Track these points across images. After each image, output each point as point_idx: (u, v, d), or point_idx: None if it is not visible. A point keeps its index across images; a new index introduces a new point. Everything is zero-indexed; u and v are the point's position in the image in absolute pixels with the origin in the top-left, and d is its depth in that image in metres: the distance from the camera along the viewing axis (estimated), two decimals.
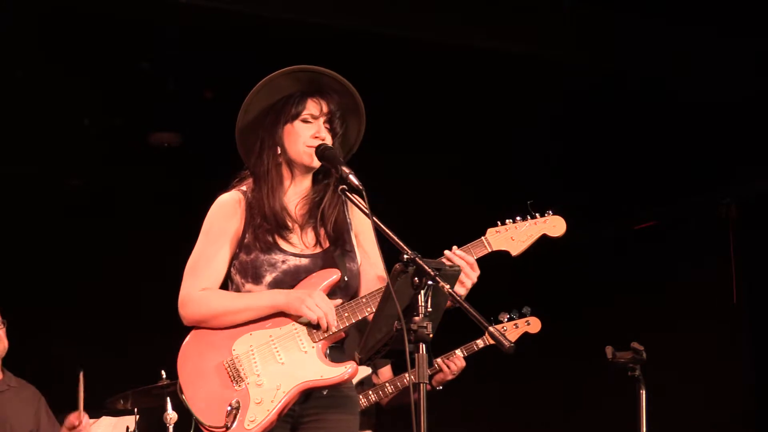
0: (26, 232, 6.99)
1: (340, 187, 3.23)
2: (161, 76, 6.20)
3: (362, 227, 3.42)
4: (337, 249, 3.35)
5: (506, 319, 5.29)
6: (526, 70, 6.20)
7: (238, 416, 3.18)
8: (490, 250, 3.35)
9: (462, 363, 5.21)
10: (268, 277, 3.28)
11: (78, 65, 5.86)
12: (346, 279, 3.31)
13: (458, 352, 5.22)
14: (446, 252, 3.27)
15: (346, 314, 3.27)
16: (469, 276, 3.24)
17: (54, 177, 7.09)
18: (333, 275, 3.29)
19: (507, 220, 3.41)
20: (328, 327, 3.23)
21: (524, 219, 3.42)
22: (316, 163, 3.34)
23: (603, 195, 7.38)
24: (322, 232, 3.36)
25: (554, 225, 3.43)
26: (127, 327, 6.92)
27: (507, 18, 5.92)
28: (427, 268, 2.85)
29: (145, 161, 7.03)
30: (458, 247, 3.31)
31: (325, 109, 3.35)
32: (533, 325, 5.32)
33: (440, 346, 5.14)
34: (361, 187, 3.12)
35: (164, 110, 6.57)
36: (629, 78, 6.39)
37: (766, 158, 6.71)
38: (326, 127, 3.35)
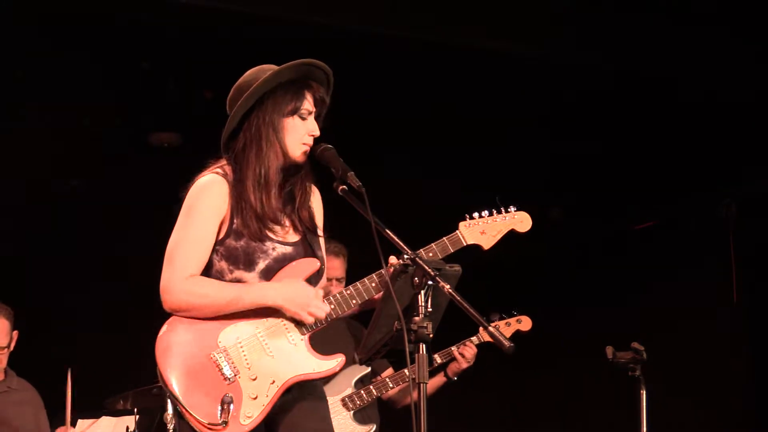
0: (26, 232, 6.99)
1: (341, 187, 3.24)
2: (161, 76, 6.19)
3: (318, 214, 3.45)
4: (311, 236, 3.37)
5: (497, 318, 5.30)
6: (525, 70, 6.19)
7: (232, 411, 3.14)
8: (465, 244, 3.43)
9: (474, 350, 5.20)
10: (261, 264, 3.26)
11: (78, 65, 5.86)
12: (322, 267, 3.35)
13: (474, 338, 5.22)
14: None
15: (332, 306, 3.28)
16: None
17: (54, 177, 7.08)
18: (312, 265, 3.32)
19: (474, 214, 3.48)
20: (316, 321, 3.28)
21: (491, 214, 3.50)
22: (303, 159, 3.35)
23: (603, 195, 7.38)
24: (296, 220, 3.37)
25: (521, 221, 3.53)
26: (128, 327, 6.91)
27: (506, 18, 5.91)
28: (427, 268, 2.86)
29: (145, 161, 7.03)
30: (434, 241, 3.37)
31: (318, 104, 3.37)
32: (524, 323, 5.35)
33: (434, 344, 5.13)
34: (362, 188, 3.14)
35: (164, 110, 6.57)
36: (629, 78, 6.39)
37: (766, 158, 6.71)
38: (315, 120, 3.38)
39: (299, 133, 3.32)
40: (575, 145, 6.98)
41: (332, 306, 3.28)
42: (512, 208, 3.52)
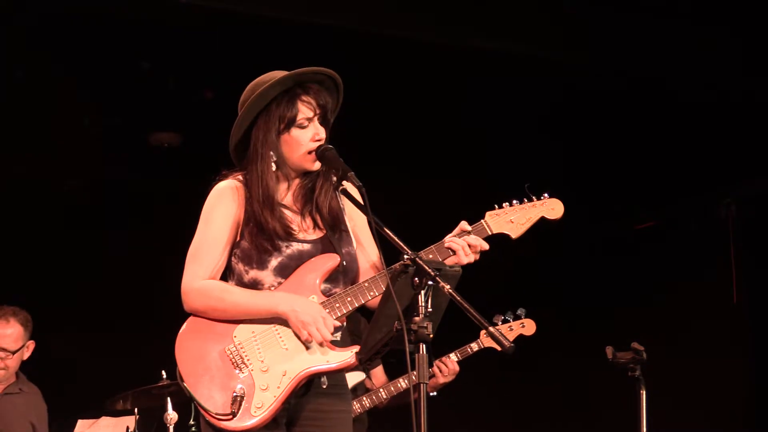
0: (26, 232, 6.98)
1: (341, 187, 3.24)
2: (161, 76, 6.19)
3: (355, 214, 3.41)
4: (335, 233, 3.35)
5: (500, 322, 5.20)
6: (526, 70, 6.19)
7: (243, 403, 3.17)
8: (490, 233, 3.36)
9: (455, 366, 5.12)
10: (274, 262, 3.28)
11: (78, 65, 5.86)
12: (344, 263, 3.32)
13: (452, 356, 5.15)
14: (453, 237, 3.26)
15: (348, 299, 3.26)
16: (468, 255, 3.27)
17: (54, 177, 7.08)
18: (332, 260, 3.30)
19: (504, 204, 3.42)
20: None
21: (522, 202, 3.44)
22: (317, 166, 3.34)
23: (603, 195, 7.38)
24: (317, 217, 3.36)
25: (552, 208, 3.45)
26: (127, 327, 6.91)
27: (506, 18, 5.91)
28: (427, 268, 2.86)
29: (145, 161, 7.03)
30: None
31: (317, 108, 3.33)
32: (528, 327, 5.23)
33: (435, 348, 5.10)
34: (362, 188, 3.13)
35: (164, 110, 6.57)
36: (629, 78, 6.39)
37: (766, 158, 6.71)
38: (319, 123, 3.34)
39: (301, 143, 3.31)
40: (575, 146, 6.98)
41: (349, 298, 3.26)
42: (545, 195, 3.45)
